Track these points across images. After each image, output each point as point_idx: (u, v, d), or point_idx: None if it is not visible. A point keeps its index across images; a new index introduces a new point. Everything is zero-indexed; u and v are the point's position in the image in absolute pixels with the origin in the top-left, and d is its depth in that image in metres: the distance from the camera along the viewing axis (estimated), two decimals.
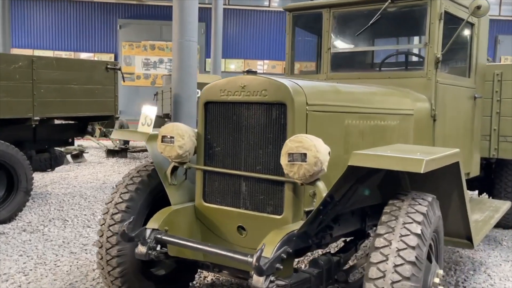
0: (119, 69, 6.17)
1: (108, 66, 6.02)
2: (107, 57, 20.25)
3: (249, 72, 2.47)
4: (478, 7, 3.12)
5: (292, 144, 2.14)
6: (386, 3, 3.42)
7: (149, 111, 2.82)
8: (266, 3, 21.11)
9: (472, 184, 5.63)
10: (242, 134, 2.48)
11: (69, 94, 5.62)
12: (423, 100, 3.33)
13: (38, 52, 21.42)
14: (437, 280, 2.18)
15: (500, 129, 4.27)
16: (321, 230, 2.37)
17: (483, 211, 3.82)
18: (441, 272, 2.28)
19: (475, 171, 4.19)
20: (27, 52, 20.23)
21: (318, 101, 2.44)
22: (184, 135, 2.57)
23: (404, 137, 3.12)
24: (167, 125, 2.65)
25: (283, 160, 2.16)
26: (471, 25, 3.89)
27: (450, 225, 2.84)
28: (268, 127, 2.39)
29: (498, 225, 5.44)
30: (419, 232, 1.96)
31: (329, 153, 2.16)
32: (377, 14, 3.48)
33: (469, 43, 3.93)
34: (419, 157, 1.93)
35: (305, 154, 2.09)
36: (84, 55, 21.17)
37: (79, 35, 21.46)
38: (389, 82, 3.51)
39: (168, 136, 2.59)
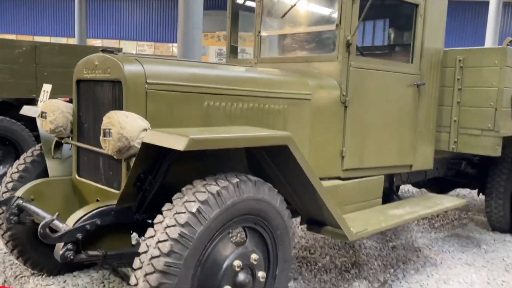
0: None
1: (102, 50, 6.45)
2: None
3: (105, 51, 2.59)
4: None
5: (105, 120, 2.24)
6: None
7: (46, 88, 3.06)
8: None
9: (466, 182, 5.20)
10: (99, 112, 2.61)
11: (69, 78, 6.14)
12: (330, 85, 3.17)
13: (124, 42, 23.49)
14: (237, 262, 2.14)
15: (460, 121, 3.87)
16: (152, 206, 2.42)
17: (413, 207, 3.55)
18: (254, 256, 2.24)
19: (422, 164, 3.87)
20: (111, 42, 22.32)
21: (164, 80, 2.47)
22: (56, 111, 2.77)
23: (296, 122, 3.02)
24: (46, 102, 2.88)
25: (101, 136, 2.27)
26: (415, 6, 3.58)
27: (318, 214, 2.74)
28: (114, 104, 2.50)
29: (494, 228, 4.98)
30: (195, 210, 1.96)
31: (145, 130, 2.21)
32: None
33: (413, 26, 3.62)
34: (195, 135, 1.92)
35: (110, 130, 2.17)
36: (165, 45, 22.94)
37: (161, 26, 23.15)
38: (306, 65, 3.39)
39: (43, 112, 2.81)
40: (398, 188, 5.30)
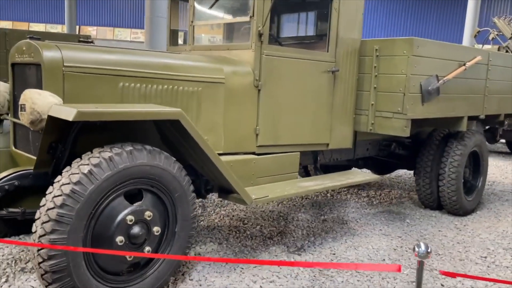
0: (92, 42, 6.95)
1: (81, 39, 6.83)
2: None
3: (31, 37, 2.99)
4: None
5: (21, 96, 2.65)
6: None
7: None
8: None
9: (400, 163, 5.61)
10: None
11: None
12: (244, 71, 3.56)
13: (119, 30, 23.81)
14: (130, 217, 2.57)
15: (376, 104, 4.26)
16: None
17: (324, 180, 3.97)
18: (148, 213, 2.67)
19: (339, 143, 4.27)
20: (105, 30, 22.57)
21: (80, 63, 2.86)
22: None
23: (211, 103, 3.42)
24: None
25: (19, 110, 2.68)
26: (329, 0, 3.96)
27: (224, 183, 3.16)
28: (37, 85, 2.89)
29: (425, 205, 5.39)
30: (86, 171, 2.38)
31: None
32: None
33: (329, 18, 4.00)
34: (84, 109, 2.33)
35: (25, 105, 2.59)
36: None
37: None
38: (228, 53, 3.77)
39: None
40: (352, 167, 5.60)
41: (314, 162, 4.45)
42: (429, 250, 1.87)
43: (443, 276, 3.49)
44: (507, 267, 3.82)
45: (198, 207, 3.02)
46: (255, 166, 3.64)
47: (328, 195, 5.96)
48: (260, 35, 3.53)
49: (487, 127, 9.96)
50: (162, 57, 3.30)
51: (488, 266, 3.82)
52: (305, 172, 5.93)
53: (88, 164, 2.42)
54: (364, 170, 6.14)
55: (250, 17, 3.57)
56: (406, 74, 4.05)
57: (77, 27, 23.62)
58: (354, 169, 4.62)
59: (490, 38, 10.40)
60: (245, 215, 4.88)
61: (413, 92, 4.11)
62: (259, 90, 3.63)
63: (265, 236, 4.25)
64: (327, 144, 4.19)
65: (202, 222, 4.56)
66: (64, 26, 23.20)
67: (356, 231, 4.54)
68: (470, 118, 5.05)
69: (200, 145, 2.82)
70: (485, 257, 4.01)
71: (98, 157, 2.45)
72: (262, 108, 3.66)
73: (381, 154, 5.29)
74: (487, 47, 10.67)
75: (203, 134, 3.36)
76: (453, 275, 2.08)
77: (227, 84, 3.47)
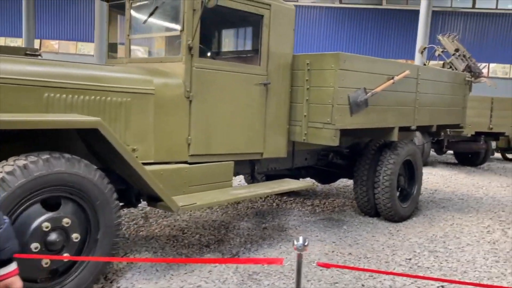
0: (39, 55, 6.94)
1: (27, 52, 6.82)
2: None
3: None
4: None
5: None
6: None
7: None
8: None
9: (340, 172, 5.83)
10: None
11: None
12: (175, 83, 3.69)
13: (82, 44, 23.47)
14: (46, 224, 2.63)
15: (309, 116, 4.46)
16: None
17: (257, 188, 4.13)
18: (67, 220, 2.73)
19: (273, 153, 4.44)
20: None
21: (4, 75, 2.92)
22: None
23: (140, 113, 3.52)
24: None
25: None
26: (260, 16, 4.16)
27: (151, 191, 3.25)
28: None
29: (364, 213, 5.60)
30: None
31: None
32: (154, 5, 3.91)
33: (260, 33, 4.20)
34: None
35: None
36: (122, 48, 23.13)
37: None
38: (161, 65, 3.90)
39: None
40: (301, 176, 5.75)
41: (251, 171, 4.60)
42: (306, 244, 2.03)
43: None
44: (428, 267, 4.05)
45: (121, 215, 3.08)
46: (187, 175, 3.74)
47: (274, 204, 6.12)
48: (190, 48, 3.68)
49: (434, 139, 10.47)
50: (91, 69, 3.39)
51: (410, 267, 4.04)
52: (252, 181, 6.07)
53: (1, 172, 2.47)
54: (308, 179, 6.35)
55: (181, 31, 3.71)
56: (334, 86, 4.28)
57: (39, 40, 23.23)
58: (288, 179, 4.78)
59: (436, 54, 10.94)
60: (186, 225, 4.95)
61: (341, 104, 4.34)
62: (190, 101, 3.76)
63: (202, 245, 4.34)
64: (261, 154, 4.35)
65: (141, 233, 4.61)
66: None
67: (293, 237, 4.69)
68: (402, 129, 5.33)
69: (121, 154, 2.92)
70: (410, 259, 4.23)
71: (13, 165, 2.51)
72: (194, 118, 3.79)
73: (320, 163, 5.50)
74: (433, 62, 11.25)
75: (132, 144, 3.48)
76: (328, 265, 2.24)
77: (157, 95, 3.59)
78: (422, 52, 11.29)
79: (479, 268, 4.09)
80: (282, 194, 6.54)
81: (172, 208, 3.25)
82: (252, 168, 4.58)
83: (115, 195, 3.02)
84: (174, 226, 4.88)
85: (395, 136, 5.13)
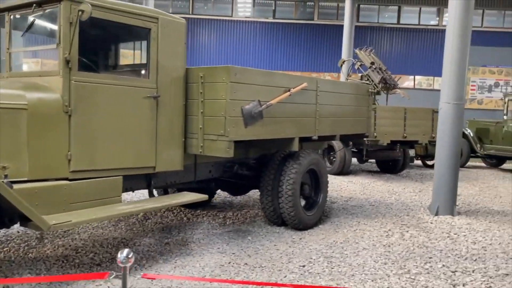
0: None
1: None
2: None
3: None
4: (82, 11, 3.39)
5: None
6: (33, 8, 3.71)
7: None
8: None
9: (248, 183, 5.88)
10: None
11: None
12: (51, 97, 3.58)
13: None
14: None
15: (204, 128, 4.49)
16: None
17: (146, 203, 4.07)
18: None
19: (167, 166, 4.41)
20: None
21: None
22: None
23: (10, 129, 3.37)
24: None
25: None
26: (147, 30, 4.16)
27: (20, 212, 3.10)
28: None
29: (272, 222, 5.66)
30: None
31: None
32: (30, 19, 3.79)
33: (147, 47, 4.19)
34: None
35: None
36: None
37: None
38: (40, 79, 3.77)
39: None
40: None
41: (148, 186, 4.53)
42: (130, 256, 2.02)
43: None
44: (319, 273, 4.16)
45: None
46: (67, 192, 3.62)
47: (185, 218, 6.06)
48: (67, 61, 3.59)
49: (355, 149, 10.89)
50: None
51: (302, 274, 4.13)
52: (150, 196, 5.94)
53: None
54: (219, 192, 6.36)
55: (57, 44, 3.62)
56: (226, 99, 4.33)
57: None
58: (184, 192, 4.74)
59: (356, 67, 11.47)
60: (83, 244, 4.78)
61: (234, 116, 4.40)
62: (69, 116, 3.65)
63: (94, 264, 4.20)
64: (154, 167, 4.31)
65: (30, 254, 4.38)
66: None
67: (192, 251, 4.66)
68: (302, 140, 5.50)
69: None
70: (304, 266, 4.33)
71: None
72: (74, 133, 3.69)
73: (226, 175, 5.53)
74: (353, 75, 11.78)
75: (2, 161, 3.31)
76: (153, 277, 2.25)
77: (30, 110, 3.46)
78: (341, 66, 11.78)
79: (367, 270, 4.26)
80: (195, 207, 6.50)
81: (42, 227, 3.12)
82: (149, 183, 4.52)
83: None
84: (70, 245, 4.68)
85: (295, 146, 5.27)
